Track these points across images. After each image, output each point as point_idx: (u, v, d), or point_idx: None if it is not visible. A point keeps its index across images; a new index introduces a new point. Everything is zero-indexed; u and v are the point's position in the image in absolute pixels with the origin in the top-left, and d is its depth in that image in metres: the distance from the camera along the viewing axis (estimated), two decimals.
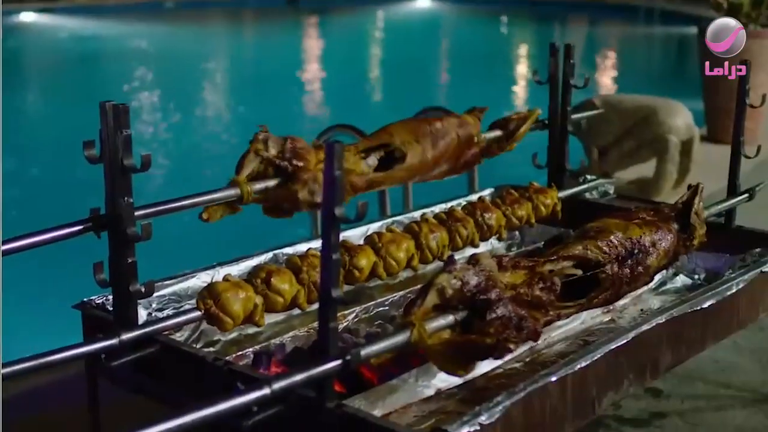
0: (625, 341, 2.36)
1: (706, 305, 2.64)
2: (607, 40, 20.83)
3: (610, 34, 21.66)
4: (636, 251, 2.58)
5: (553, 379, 2.15)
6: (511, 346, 2.08)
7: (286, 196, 2.59)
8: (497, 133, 3.29)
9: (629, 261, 2.55)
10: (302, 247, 2.93)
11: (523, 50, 20.06)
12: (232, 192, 2.49)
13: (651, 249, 2.63)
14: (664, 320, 2.49)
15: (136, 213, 2.23)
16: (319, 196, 2.59)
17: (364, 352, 1.91)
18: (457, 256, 3.14)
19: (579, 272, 2.44)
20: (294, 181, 2.57)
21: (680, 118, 6.40)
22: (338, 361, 1.86)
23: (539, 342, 2.57)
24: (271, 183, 2.57)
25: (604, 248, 2.51)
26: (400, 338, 2.00)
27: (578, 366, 2.22)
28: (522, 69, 17.03)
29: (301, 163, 2.58)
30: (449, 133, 3.03)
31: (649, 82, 13.82)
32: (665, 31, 20.69)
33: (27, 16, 21.88)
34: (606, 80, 14.50)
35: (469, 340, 2.06)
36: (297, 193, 2.57)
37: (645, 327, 2.43)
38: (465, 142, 3.11)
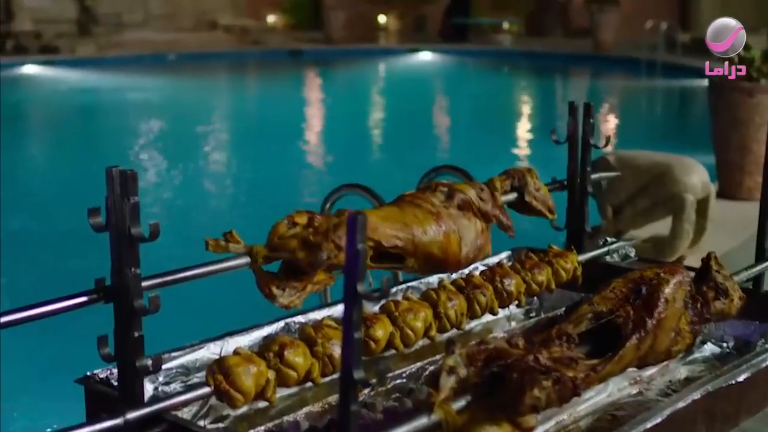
0: (660, 420, 2.23)
1: (741, 378, 2.51)
2: (610, 93, 20.83)
3: (613, 87, 21.67)
4: (641, 286, 2.51)
5: None
6: (544, 383, 1.97)
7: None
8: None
9: (639, 299, 2.47)
10: (314, 315, 2.81)
11: (527, 103, 20.07)
12: (244, 261, 2.36)
13: (656, 280, 2.54)
14: (699, 396, 2.37)
15: (144, 284, 2.12)
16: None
17: None
18: (474, 323, 3.05)
19: (589, 316, 2.39)
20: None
21: (696, 175, 6.29)
22: None
23: (565, 416, 2.46)
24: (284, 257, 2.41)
25: (609, 295, 2.47)
26: (424, 420, 1.88)
27: None
28: (525, 122, 17.02)
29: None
30: (465, 261, 2.80)
31: (655, 136, 13.77)
32: (668, 84, 20.69)
33: (29, 69, 21.97)
34: (612, 135, 14.44)
35: (495, 396, 1.97)
36: (277, 298, 2.39)
37: (681, 404, 2.31)
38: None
